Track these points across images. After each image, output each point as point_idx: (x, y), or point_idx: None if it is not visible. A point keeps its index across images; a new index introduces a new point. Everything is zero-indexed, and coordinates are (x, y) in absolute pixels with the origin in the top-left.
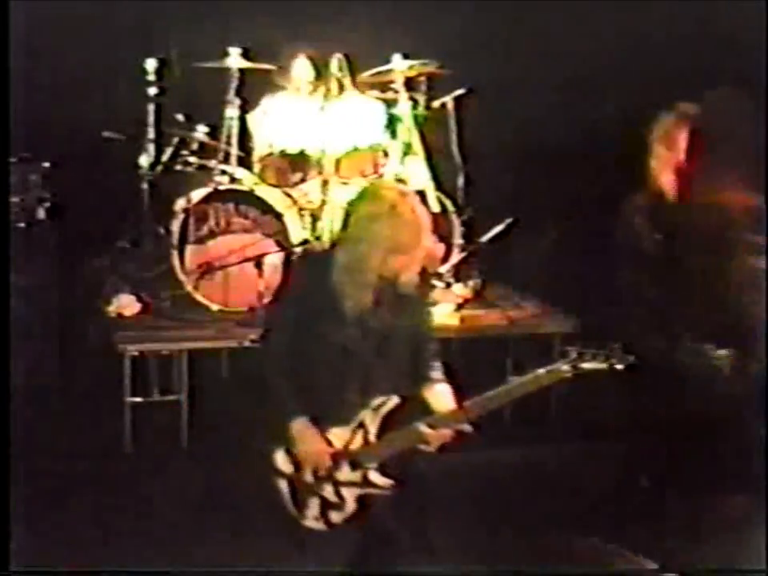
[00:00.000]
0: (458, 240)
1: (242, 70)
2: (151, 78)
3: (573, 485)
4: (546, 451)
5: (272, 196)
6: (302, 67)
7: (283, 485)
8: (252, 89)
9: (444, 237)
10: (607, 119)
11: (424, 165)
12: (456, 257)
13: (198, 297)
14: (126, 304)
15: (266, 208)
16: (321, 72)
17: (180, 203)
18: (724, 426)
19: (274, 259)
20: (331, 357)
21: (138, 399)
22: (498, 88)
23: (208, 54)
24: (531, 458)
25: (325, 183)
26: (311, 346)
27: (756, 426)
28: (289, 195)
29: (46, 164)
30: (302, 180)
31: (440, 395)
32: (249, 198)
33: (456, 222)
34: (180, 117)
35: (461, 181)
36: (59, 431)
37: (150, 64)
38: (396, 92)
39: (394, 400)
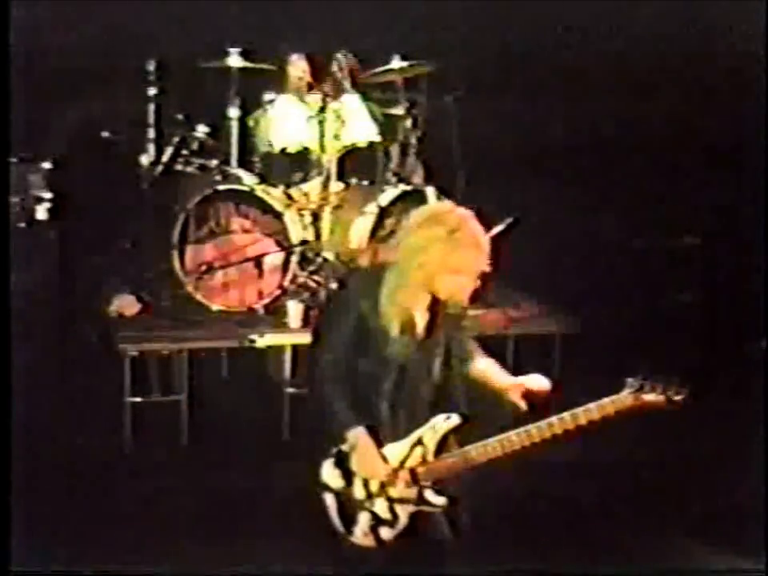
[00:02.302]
0: None
1: (241, 70)
2: (151, 78)
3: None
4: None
5: (272, 196)
6: (301, 67)
7: (329, 498)
8: (252, 89)
9: None
10: (607, 119)
11: (424, 165)
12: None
13: (198, 297)
14: (126, 304)
15: (266, 208)
16: (321, 72)
17: (180, 203)
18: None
19: (273, 259)
20: (383, 371)
21: (138, 399)
22: (497, 88)
23: (208, 54)
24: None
25: (325, 183)
26: (364, 358)
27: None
28: (289, 195)
29: (46, 164)
30: (302, 180)
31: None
32: (249, 198)
33: None
34: (180, 117)
35: (461, 181)
36: (59, 431)
37: (150, 64)
38: (396, 92)
39: (455, 420)
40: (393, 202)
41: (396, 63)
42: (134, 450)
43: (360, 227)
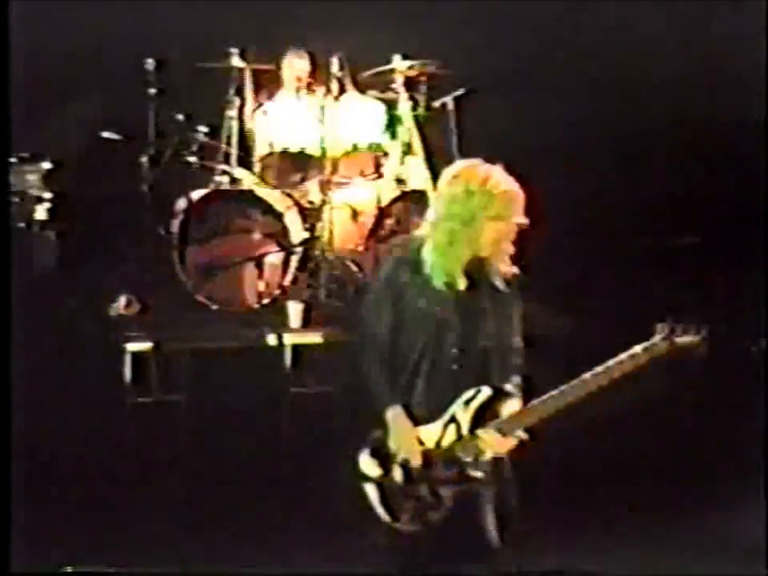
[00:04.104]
0: None
1: (241, 70)
2: (151, 78)
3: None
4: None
5: (272, 196)
6: (301, 67)
7: (370, 489)
8: (252, 89)
9: None
10: (607, 119)
11: (424, 165)
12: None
13: (198, 297)
14: (126, 304)
15: (265, 208)
16: (321, 72)
17: (180, 203)
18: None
19: (273, 259)
20: (424, 340)
21: (138, 399)
22: (497, 88)
23: (208, 54)
24: None
25: (325, 183)
26: (402, 330)
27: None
28: (289, 195)
29: (46, 164)
30: (302, 180)
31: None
32: (249, 198)
33: None
34: (180, 117)
35: None
36: (59, 431)
37: (150, 64)
38: (396, 92)
39: (486, 392)
40: (393, 202)
41: (396, 63)
42: (134, 450)
43: (360, 227)
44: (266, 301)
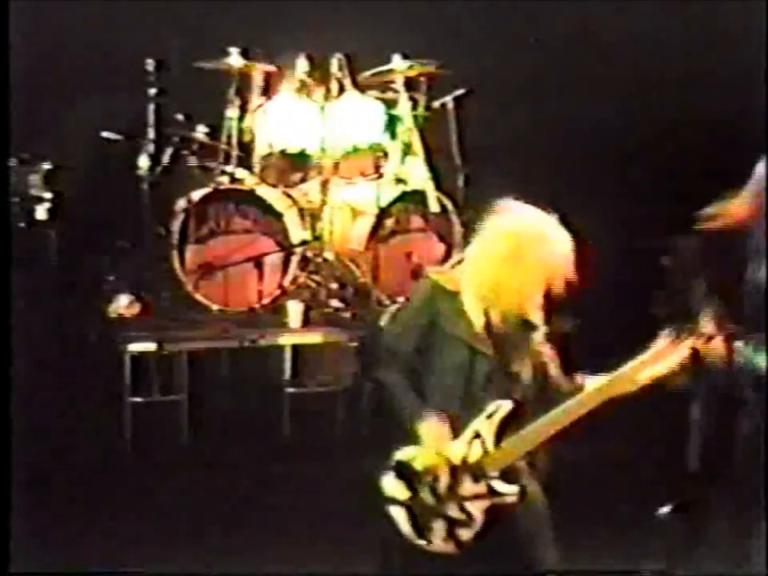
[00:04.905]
0: (458, 240)
1: (241, 70)
2: (151, 78)
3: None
4: None
5: (272, 196)
6: (301, 67)
7: (397, 511)
8: (252, 89)
9: (444, 237)
10: (607, 119)
11: (424, 165)
12: (456, 257)
13: (198, 297)
14: (126, 304)
15: (265, 208)
16: (321, 72)
17: (180, 203)
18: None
19: (274, 259)
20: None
21: (138, 399)
22: (498, 88)
23: (208, 54)
24: None
25: (325, 183)
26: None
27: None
28: (289, 195)
29: (46, 164)
30: (302, 180)
31: None
32: (249, 198)
33: (456, 221)
34: (180, 117)
35: (461, 181)
36: (59, 431)
37: (150, 64)
38: (396, 92)
39: (508, 405)
40: (393, 202)
41: (396, 63)
42: (134, 450)
43: (360, 227)
44: (266, 301)
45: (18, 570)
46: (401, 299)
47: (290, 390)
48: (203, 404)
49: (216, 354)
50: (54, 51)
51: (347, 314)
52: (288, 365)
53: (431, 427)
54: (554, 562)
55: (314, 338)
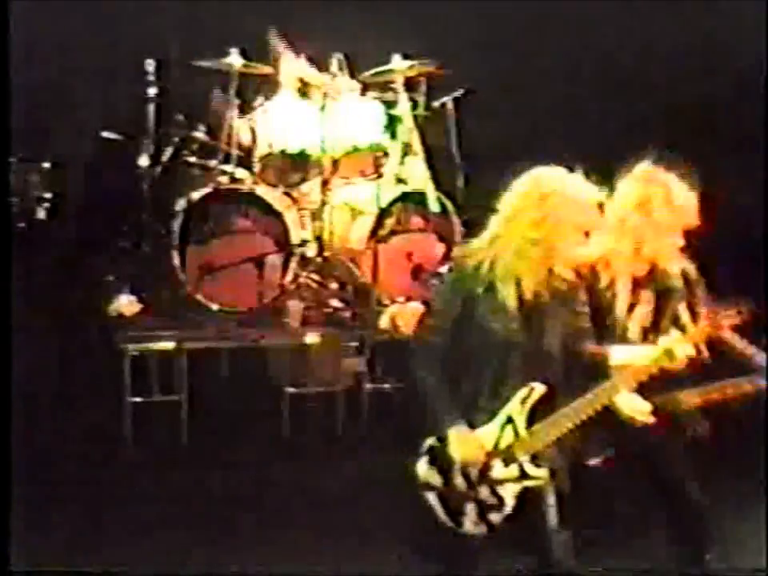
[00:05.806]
0: (458, 240)
1: (241, 70)
2: (151, 78)
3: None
4: None
5: (272, 196)
6: (301, 67)
7: (431, 496)
8: (252, 89)
9: (444, 237)
10: (607, 119)
11: (424, 165)
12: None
13: (198, 297)
14: (126, 304)
15: (265, 208)
16: (321, 72)
17: (180, 203)
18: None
19: (274, 259)
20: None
21: (138, 399)
22: (498, 88)
23: (208, 54)
24: None
25: (325, 183)
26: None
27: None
28: (289, 195)
29: (46, 164)
30: (302, 180)
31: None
32: (249, 198)
33: (456, 221)
34: (180, 117)
35: (461, 181)
36: (59, 431)
37: (150, 64)
38: (396, 92)
39: (540, 389)
40: (393, 202)
41: (396, 63)
42: (134, 450)
43: (360, 227)
44: (266, 301)
45: (19, 569)
46: (400, 299)
47: (290, 390)
48: (203, 404)
49: (216, 353)
50: (54, 51)
51: (347, 314)
52: (288, 365)
53: (461, 436)
54: (570, 563)
55: (313, 338)
